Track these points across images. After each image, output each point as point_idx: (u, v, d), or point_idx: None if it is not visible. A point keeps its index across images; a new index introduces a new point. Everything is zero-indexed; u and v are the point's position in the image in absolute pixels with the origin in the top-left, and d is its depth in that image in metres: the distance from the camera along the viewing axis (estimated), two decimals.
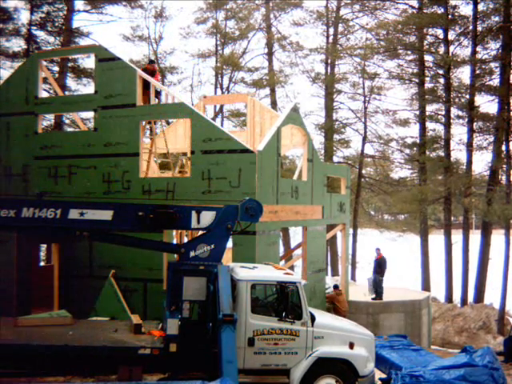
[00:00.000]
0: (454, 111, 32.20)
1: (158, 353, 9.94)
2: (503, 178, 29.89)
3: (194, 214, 10.34)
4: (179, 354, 9.91)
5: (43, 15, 29.70)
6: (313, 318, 10.46)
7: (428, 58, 33.74)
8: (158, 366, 10.15)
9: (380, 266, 19.74)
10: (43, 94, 18.06)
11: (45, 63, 17.76)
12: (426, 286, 31.13)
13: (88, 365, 10.08)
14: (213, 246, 10.42)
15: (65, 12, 28.83)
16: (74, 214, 10.05)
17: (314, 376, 10.23)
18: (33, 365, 10.08)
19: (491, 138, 30.50)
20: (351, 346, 10.49)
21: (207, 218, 10.38)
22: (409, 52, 33.96)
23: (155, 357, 9.95)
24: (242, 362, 9.99)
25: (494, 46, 31.13)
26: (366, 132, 35.37)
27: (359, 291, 21.05)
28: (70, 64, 28.90)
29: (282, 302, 10.29)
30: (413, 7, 33.37)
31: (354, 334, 10.82)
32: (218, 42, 36.96)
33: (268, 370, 10.25)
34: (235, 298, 10.18)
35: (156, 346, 10.06)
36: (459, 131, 37.61)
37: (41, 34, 29.91)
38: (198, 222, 10.35)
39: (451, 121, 31.83)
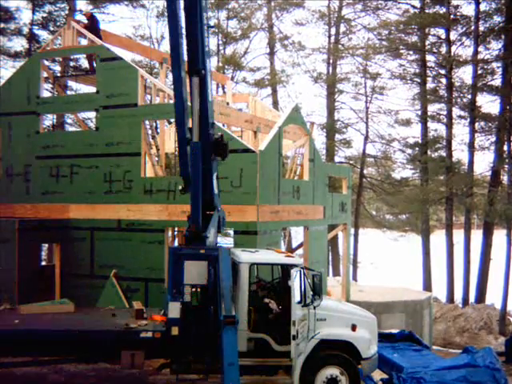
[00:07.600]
0: (455, 111, 32.15)
1: (159, 336, 9.92)
2: (505, 179, 29.88)
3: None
4: (181, 338, 9.87)
5: (45, 15, 29.70)
6: None
7: (430, 57, 33.70)
8: (160, 350, 10.11)
9: None
10: (45, 94, 18.05)
11: (46, 63, 17.75)
12: (427, 286, 31.10)
13: (90, 349, 10.06)
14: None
15: (66, 11, 28.84)
16: None
17: (318, 366, 10.16)
18: (35, 350, 10.05)
19: (493, 138, 30.42)
20: (354, 328, 10.44)
21: None
22: (411, 52, 33.92)
23: (157, 340, 9.93)
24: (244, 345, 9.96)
25: (496, 46, 31.13)
26: (367, 132, 35.37)
27: (359, 291, 21.03)
28: (71, 64, 28.88)
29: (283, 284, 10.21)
30: (415, 7, 33.31)
31: (357, 316, 10.76)
32: (220, 42, 36.93)
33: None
34: (237, 280, 10.14)
35: (158, 329, 10.05)
36: (461, 131, 37.44)
37: (43, 34, 29.94)
38: None
39: (453, 121, 31.76)
